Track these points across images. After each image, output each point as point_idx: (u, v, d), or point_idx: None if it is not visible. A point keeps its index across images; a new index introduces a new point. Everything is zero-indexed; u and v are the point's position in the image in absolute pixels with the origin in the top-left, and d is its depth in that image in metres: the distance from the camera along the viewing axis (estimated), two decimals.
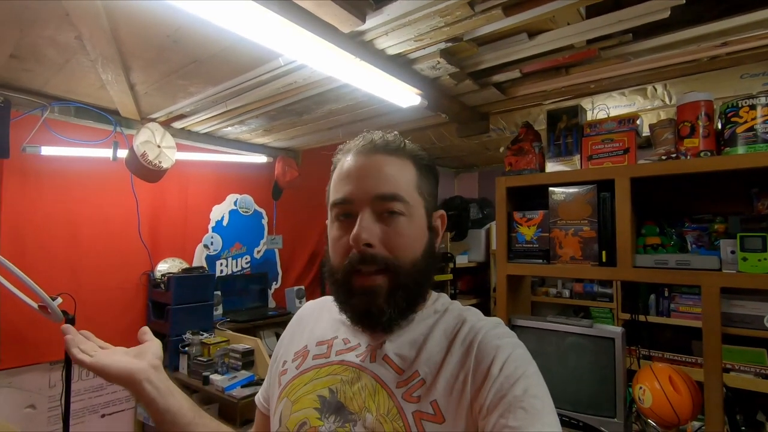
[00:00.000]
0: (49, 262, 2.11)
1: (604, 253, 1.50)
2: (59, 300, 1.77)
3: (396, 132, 0.68)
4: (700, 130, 1.35)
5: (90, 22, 1.30)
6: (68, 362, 1.84)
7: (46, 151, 2.01)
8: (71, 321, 1.81)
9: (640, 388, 1.44)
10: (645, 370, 1.48)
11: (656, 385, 1.40)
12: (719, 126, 1.36)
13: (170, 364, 2.30)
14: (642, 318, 2.69)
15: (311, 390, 0.63)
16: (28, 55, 1.54)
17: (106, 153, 2.12)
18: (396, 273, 0.60)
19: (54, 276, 2.09)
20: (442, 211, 0.69)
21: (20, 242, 2.03)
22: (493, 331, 0.60)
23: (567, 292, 3.49)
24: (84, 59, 1.57)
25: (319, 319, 0.74)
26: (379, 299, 0.60)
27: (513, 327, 1.63)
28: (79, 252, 2.22)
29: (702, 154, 1.34)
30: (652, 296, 2.91)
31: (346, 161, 0.65)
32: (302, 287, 3.12)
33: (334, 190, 0.65)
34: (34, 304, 1.78)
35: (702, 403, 1.33)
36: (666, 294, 2.87)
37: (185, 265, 2.59)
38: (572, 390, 1.48)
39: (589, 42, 1.45)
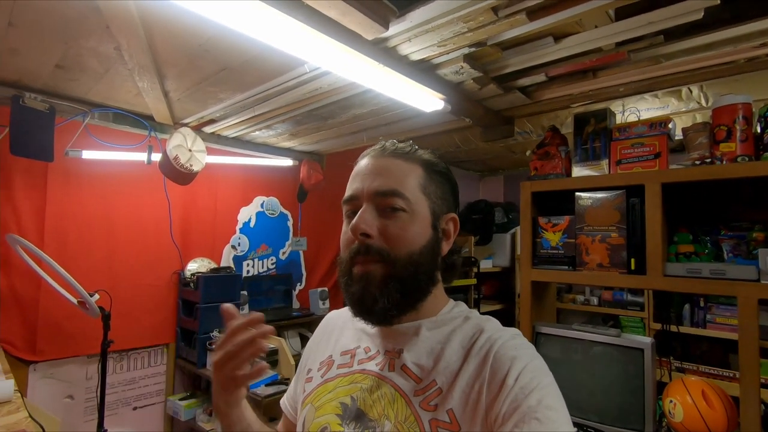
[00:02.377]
0: (88, 260, 2.23)
1: (633, 260, 1.46)
2: (97, 296, 1.86)
3: (411, 140, 0.71)
4: (737, 134, 1.30)
5: (128, 34, 1.37)
6: (104, 356, 1.93)
7: (87, 154, 2.12)
8: (107, 317, 1.91)
9: (671, 401, 1.38)
10: (676, 383, 1.42)
11: (688, 399, 1.35)
12: (758, 129, 1.30)
13: (198, 361, 2.38)
14: (674, 328, 2.59)
15: (334, 397, 0.66)
16: (73, 65, 1.64)
17: (141, 156, 2.22)
18: (391, 264, 0.62)
19: (92, 273, 2.20)
20: (453, 215, 0.70)
21: (62, 241, 2.15)
22: (510, 342, 0.60)
23: (595, 300, 3.39)
24: (122, 68, 1.65)
25: (344, 329, 0.77)
26: (372, 287, 0.62)
27: (537, 334, 1.60)
28: (116, 250, 2.33)
29: (739, 159, 1.28)
30: (687, 306, 2.79)
31: (359, 164, 0.69)
32: (326, 289, 3.16)
33: (346, 190, 0.69)
34: (74, 300, 1.88)
35: (738, 420, 1.27)
36: (702, 304, 2.75)
37: (213, 265, 2.68)
38: (599, 401, 1.44)
39: (618, 44, 1.41)
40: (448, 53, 1.42)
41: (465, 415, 0.56)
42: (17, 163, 1.98)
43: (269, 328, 0.64)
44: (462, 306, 0.70)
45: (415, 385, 0.60)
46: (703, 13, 1.15)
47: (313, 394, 0.69)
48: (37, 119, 1.83)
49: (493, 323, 0.65)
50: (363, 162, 0.68)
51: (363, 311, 0.64)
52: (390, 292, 0.62)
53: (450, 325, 0.65)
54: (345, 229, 0.67)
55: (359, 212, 0.63)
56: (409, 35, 1.29)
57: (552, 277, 1.67)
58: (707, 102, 1.73)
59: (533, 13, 1.16)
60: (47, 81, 1.79)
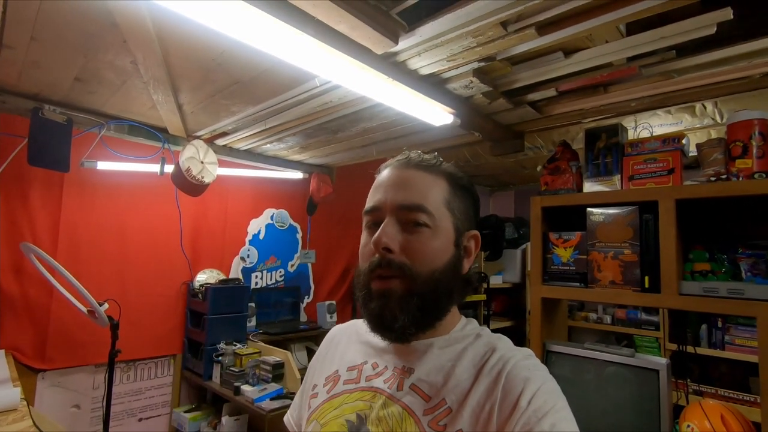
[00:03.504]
0: (100, 269, 2.25)
1: (646, 278, 1.42)
2: (106, 305, 1.88)
3: (435, 152, 0.69)
4: (754, 150, 1.27)
5: (144, 48, 1.40)
6: (111, 366, 1.94)
7: (102, 165, 2.17)
8: (115, 326, 1.92)
9: (688, 426, 1.33)
10: (694, 407, 1.37)
11: (706, 424, 1.29)
12: None
13: (204, 373, 2.37)
14: (691, 349, 2.50)
15: (340, 414, 0.64)
16: (91, 78, 1.69)
17: (154, 168, 2.26)
18: (412, 279, 0.60)
19: (103, 282, 2.22)
20: (476, 232, 0.68)
21: (75, 249, 2.18)
22: (523, 363, 0.58)
23: (608, 318, 3.31)
24: (138, 82, 1.70)
25: (349, 343, 0.75)
26: (392, 303, 0.60)
27: (548, 353, 1.56)
28: (127, 260, 2.36)
29: (756, 175, 1.25)
30: (704, 326, 2.70)
31: (381, 174, 0.67)
32: (333, 302, 3.15)
33: (367, 200, 0.67)
34: (84, 309, 1.89)
35: None
36: (719, 325, 2.66)
37: (222, 277, 2.68)
38: (612, 424, 1.39)
39: (630, 59, 1.40)
40: (457, 68, 1.43)
41: None
42: (34, 174, 2.03)
43: None
44: (474, 323, 0.69)
45: (425, 404, 0.59)
46: (715, 29, 1.14)
47: (319, 410, 0.67)
48: (55, 131, 1.88)
49: (505, 342, 0.64)
50: (386, 172, 0.67)
51: (381, 328, 0.62)
52: (410, 309, 0.60)
53: (462, 342, 0.64)
54: (365, 241, 0.65)
55: (382, 225, 0.62)
56: (419, 50, 1.30)
57: (563, 293, 1.63)
58: (722, 118, 1.70)
59: (543, 28, 1.17)
60: (66, 93, 1.84)
